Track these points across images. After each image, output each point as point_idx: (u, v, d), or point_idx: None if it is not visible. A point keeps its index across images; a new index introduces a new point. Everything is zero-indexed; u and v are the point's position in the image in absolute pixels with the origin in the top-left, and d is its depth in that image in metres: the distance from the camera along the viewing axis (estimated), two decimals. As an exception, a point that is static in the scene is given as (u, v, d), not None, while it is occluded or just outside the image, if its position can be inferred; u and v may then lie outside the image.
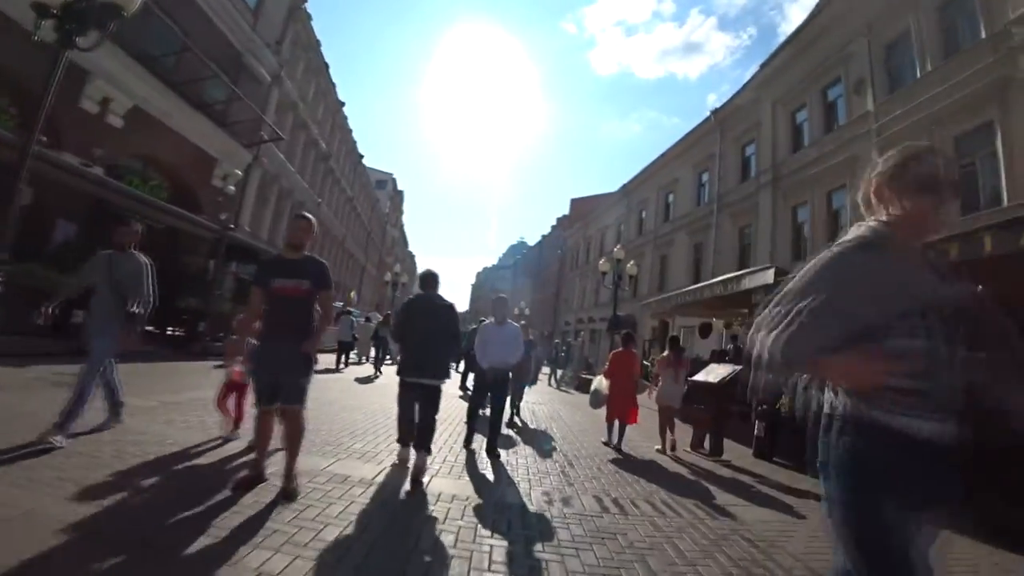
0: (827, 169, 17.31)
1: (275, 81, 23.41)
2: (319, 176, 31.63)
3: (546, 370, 24.01)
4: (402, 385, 4.88)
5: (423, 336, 4.74)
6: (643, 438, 8.55)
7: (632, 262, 20.10)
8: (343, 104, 33.50)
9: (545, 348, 27.30)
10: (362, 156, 41.27)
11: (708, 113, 25.43)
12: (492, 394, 6.31)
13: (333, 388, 10.30)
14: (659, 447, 7.52)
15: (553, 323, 50.96)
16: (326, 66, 29.88)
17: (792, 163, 19.35)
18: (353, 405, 8.44)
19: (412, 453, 4.75)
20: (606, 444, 7.44)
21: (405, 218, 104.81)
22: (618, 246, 19.42)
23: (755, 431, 7.86)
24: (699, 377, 7.81)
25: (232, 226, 19.28)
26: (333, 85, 31.71)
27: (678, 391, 7.57)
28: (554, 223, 58.48)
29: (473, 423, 6.41)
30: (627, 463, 6.58)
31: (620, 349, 7.81)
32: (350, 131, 37.35)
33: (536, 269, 64.58)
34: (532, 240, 70.17)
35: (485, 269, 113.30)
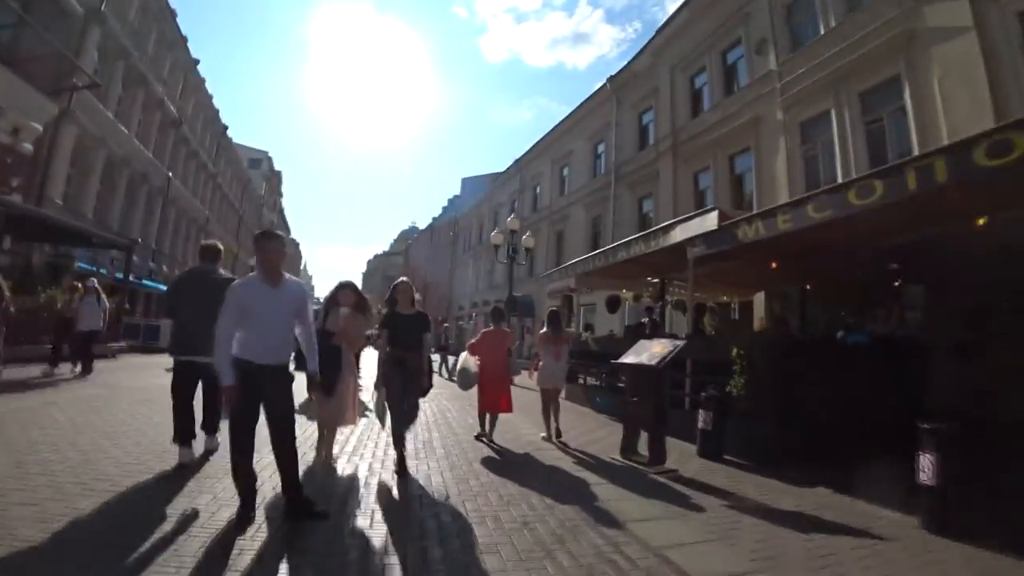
0: (729, 132, 16.27)
1: (93, 17, 18.70)
2: (167, 145, 26.63)
3: (436, 358, 21.61)
4: (176, 367, 4.63)
5: (195, 311, 4.29)
6: (530, 424, 7.65)
7: (528, 233, 18.10)
8: (198, 62, 28.52)
9: (434, 334, 24.75)
10: (226, 127, 36.01)
11: (603, 81, 23.96)
12: None
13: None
14: (544, 434, 6.74)
15: (448, 309, 48.43)
16: (172, 12, 25.02)
17: (692, 128, 18.25)
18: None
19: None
20: (479, 438, 6.45)
21: (289, 204, 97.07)
22: (512, 216, 17.30)
23: (699, 422, 5.95)
24: (628, 359, 5.75)
25: (7, 192, 14.89)
26: (183, 37, 26.78)
27: (560, 370, 6.88)
28: (445, 204, 55.67)
29: None
30: (501, 460, 5.62)
31: (491, 328, 6.69)
32: (210, 96, 32.20)
33: (428, 253, 61.54)
34: (424, 225, 66.86)
35: (376, 256, 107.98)
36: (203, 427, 4.65)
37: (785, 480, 5.00)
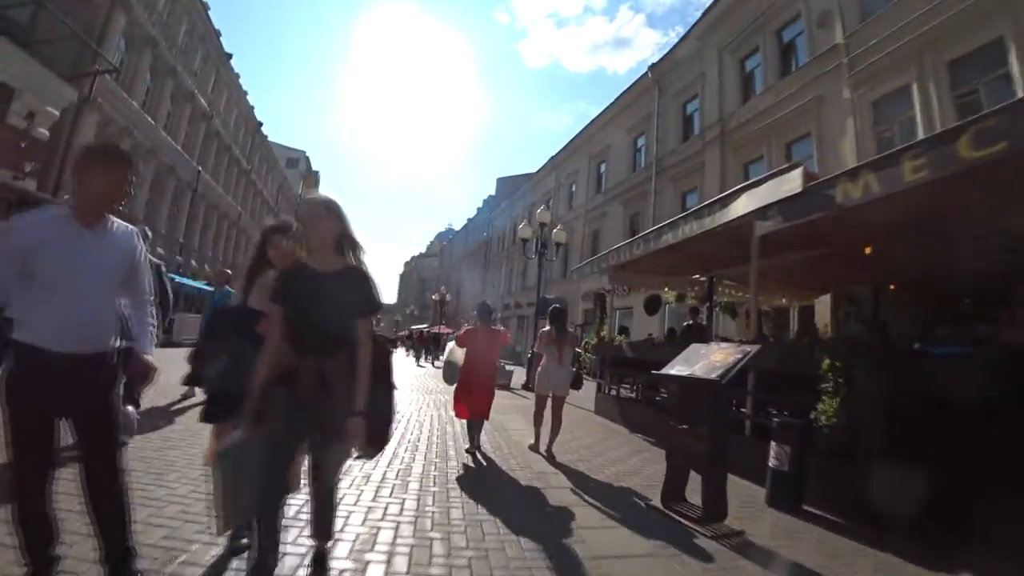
0: (786, 117, 14.38)
1: (119, 3, 18.09)
2: (197, 138, 26.12)
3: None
4: None
5: None
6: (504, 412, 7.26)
7: (559, 227, 16.48)
8: (230, 56, 28.01)
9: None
10: (261, 124, 35.61)
11: (645, 61, 22.21)
12: None
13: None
14: (532, 443, 6.01)
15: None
16: (203, 4, 24.49)
17: (743, 115, 16.40)
18: None
19: None
20: (469, 452, 5.50)
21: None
22: (542, 208, 15.76)
23: (771, 459, 4.30)
24: (677, 369, 4.11)
25: (20, 177, 14.23)
26: (216, 30, 26.27)
27: (563, 375, 5.87)
28: (480, 205, 54.49)
29: None
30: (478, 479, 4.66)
31: (474, 326, 5.76)
32: (244, 92, 31.76)
33: (462, 254, 60.50)
34: (460, 226, 65.89)
35: (413, 258, 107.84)
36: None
37: (911, 558, 3.32)
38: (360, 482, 4.14)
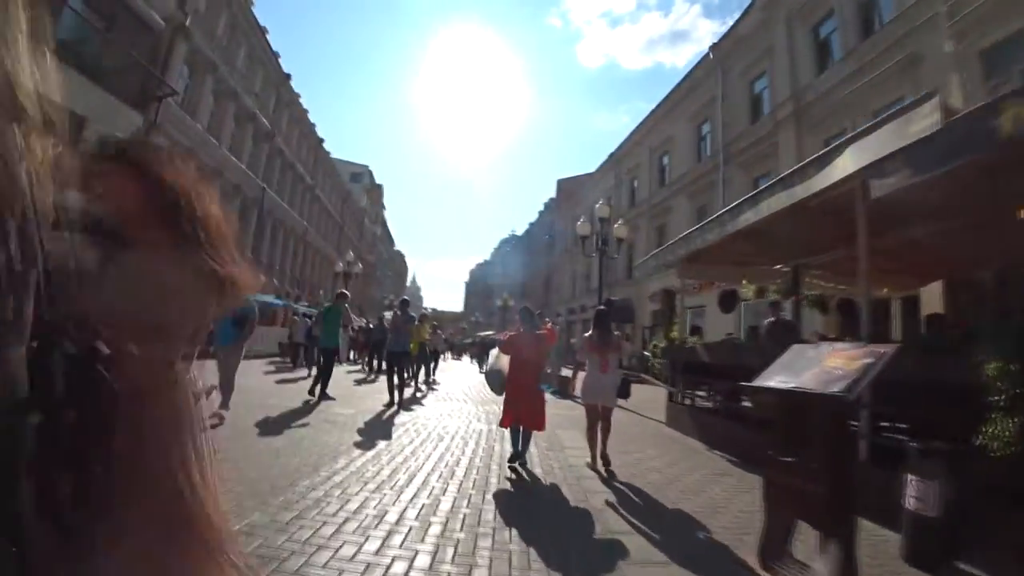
0: (873, 82, 12.63)
1: (179, 32, 18.63)
2: (261, 157, 26.82)
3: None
4: None
5: None
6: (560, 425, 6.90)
7: (620, 221, 15.28)
8: (289, 77, 28.66)
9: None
10: (322, 140, 36.40)
11: (705, 51, 20.65)
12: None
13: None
14: (589, 460, 5.38)
15: (544, 315, 46.22)
16: (261, 29, 25.10)
17: (819, 87, 14.72)
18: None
19: None
20: (512, 465, 4.94)
21: (393, 219, 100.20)
22: (600, 202, 14.63)
23: (908, 499, 3.13)
24: (777, 380, 3.01)
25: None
26: (274, 54, 26.93)
27: (608, 383, 5.34)
28: (542, 209, 53.64)
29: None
30: (519, 500, 4.11)
31: (521, 330, 5.38)
32: (305, 110, 32.50)
33: (525, 260, 59.84)
34: (522, 231, 65.34)
35: (478, 265, 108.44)
36: None
37: None
38: (387, 501, 3.38)
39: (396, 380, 8.93)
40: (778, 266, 9.32)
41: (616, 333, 5.75)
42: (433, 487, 4.24)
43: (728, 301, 9.10)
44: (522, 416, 5.05)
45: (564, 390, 12.50)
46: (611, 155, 31.08)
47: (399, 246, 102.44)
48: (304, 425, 6.43)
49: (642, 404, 11.40)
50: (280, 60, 27.57)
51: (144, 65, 15.99)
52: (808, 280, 9.41)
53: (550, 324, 6.28)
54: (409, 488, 4.14)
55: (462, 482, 4.47)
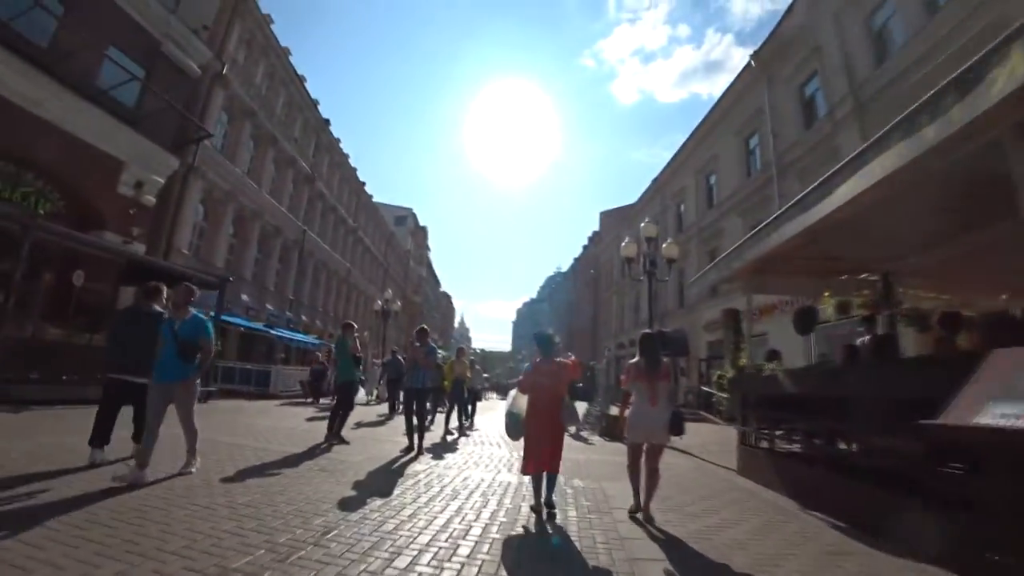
0: (950, 59, 10.91)
1: (217, 80, 18.80)
2: (302, 200, 26.86)
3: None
4: (112, 384, 5.12)
5: (129, 341, 5.06)
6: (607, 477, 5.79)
7: (670, 240, 13.78)
8: (328, 122, 28.95)
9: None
10: (363, 183, 36.62)
11: (747, 59, 19.26)
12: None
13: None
14: (631, 505, 4.51)
15: (592, 352, 44.22)
16: (300, 78, 25.47)
17: (880, 78, 13.15)
18: None
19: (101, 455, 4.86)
20: (535, 510, 4.38)
21: (442, 263, 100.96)
22: (646, 221, 13.23)
23: None
24: (993, 416, 1.56)
25: (129, 241, 14.41)
26: (314, 101, 27.26)
27: (658, 418, 4.45)
28: (586, 243, 52.33)
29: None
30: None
31: (539, 359, 4.75)
32: (345, 155, 32.79)
33: (571, 296, 58.32)
34: (567, 267, 64.00)
35: (525, 304, 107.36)
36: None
37: None
38: None
39: (416, 422, 7.69)
40: (863, 275, 7.69)
41: (666, 360, 4.77)
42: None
43: (805, 320, 7.42)
44: (544, 458, 4.43)
45: (612, 431, 10.86)
46: (654, 181, 29.71)
47: (447, 289, 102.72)
48: (289, 474, 5.22)
49: (706, 447, 9.71)
50: (319, 107, 27.93)
51: (179, 110, 15.96)
52: (902, 291, 7.71)
53: (573, 358, 5.14)
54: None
55: (463, 565, 3.11)
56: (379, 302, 24.92)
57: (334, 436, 7.59)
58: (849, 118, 13.96)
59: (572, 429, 9.61)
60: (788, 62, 17.24)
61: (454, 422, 11.04)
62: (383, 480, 5.34)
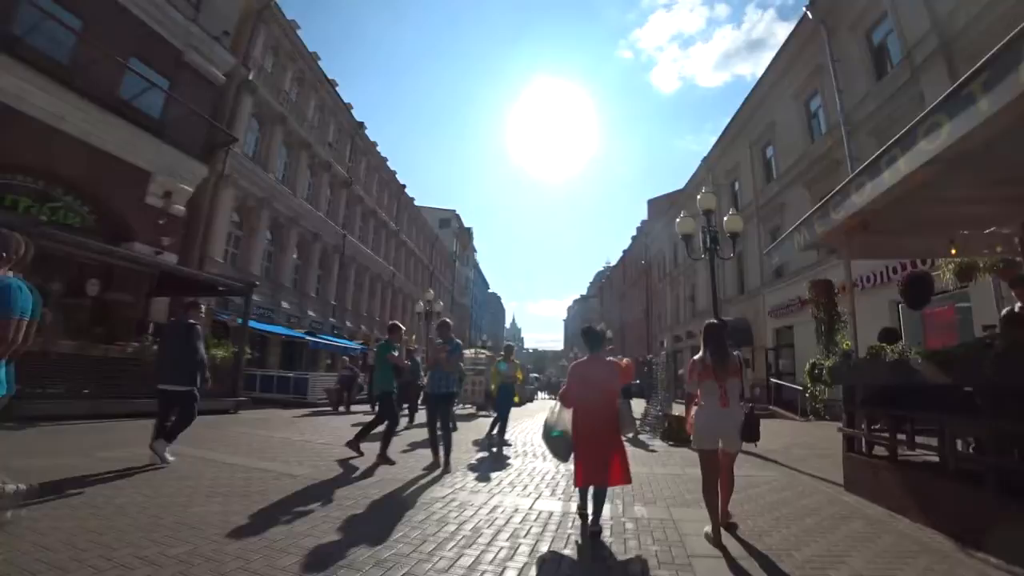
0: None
1: (244, 87, 18.37)
2: (339, 204, 26.40)
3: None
4: (158, 393, 5.68)
5: (169, 352, 5.80)
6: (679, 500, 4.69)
7: (732, 213, 12.01)
8: (362, 125, 28.42)
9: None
10: (404, 186, 36.09)
11: (803, 11, 17.17)
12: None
13: None
14: (708, 530, 3.62)
15: (646, 346, 42.16)
16: (330, 82, 24.98)
17: (970, 9, 11.00)
18: None
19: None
20: (582, 515, 4.04)
21: (490, 263, 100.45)
22: (703, 192, 11.55)
23: None
24: None
25: (160, 252, 13.99)
26: (347, 105, 26.77)
27: (729, 421, 3.76)
28: (634, 234, 50.24)
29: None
30: None
31: (583, 358, 4.19)
32: (383, 158, 32.28)
33: (621, 289, 56.24)
34: (616, 260, 61.91)
35: (575, 301, 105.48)
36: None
37: None
38: None
39: (441, 433, 6.50)
40: (990, 229, 5.97)
41: (736, 352, 4.05)
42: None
43: (919, 290, 5.74)
44: (595, 467, 3.86)
45: (676, 433, 9.30)
46: (704, 160, 27.66)
47: (497, 290, 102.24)
48: (277, 505, 4.12)
49: (791, 452, 8.11)
50: (353, 111, 27.44)
51: (203, 116, 15.52)
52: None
53: (625, 360, 4.97)
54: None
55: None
56: (421, 303, 24.09)
57: (380, 457, 6.40)
58: (931, 61, 11.91)
59: (628, 434, 8.20)
60: (851, 6, 15.14)
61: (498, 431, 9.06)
62: (386, 514, 4.16)
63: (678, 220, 11.64)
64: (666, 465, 6.90)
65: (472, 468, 6.48)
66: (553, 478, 5.92)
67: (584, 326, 4.60)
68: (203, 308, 6.14)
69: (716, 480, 3.73)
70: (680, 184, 34.11)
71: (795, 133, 18.69)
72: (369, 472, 5.89)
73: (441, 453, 6.36)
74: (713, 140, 27.09)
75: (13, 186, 12.50)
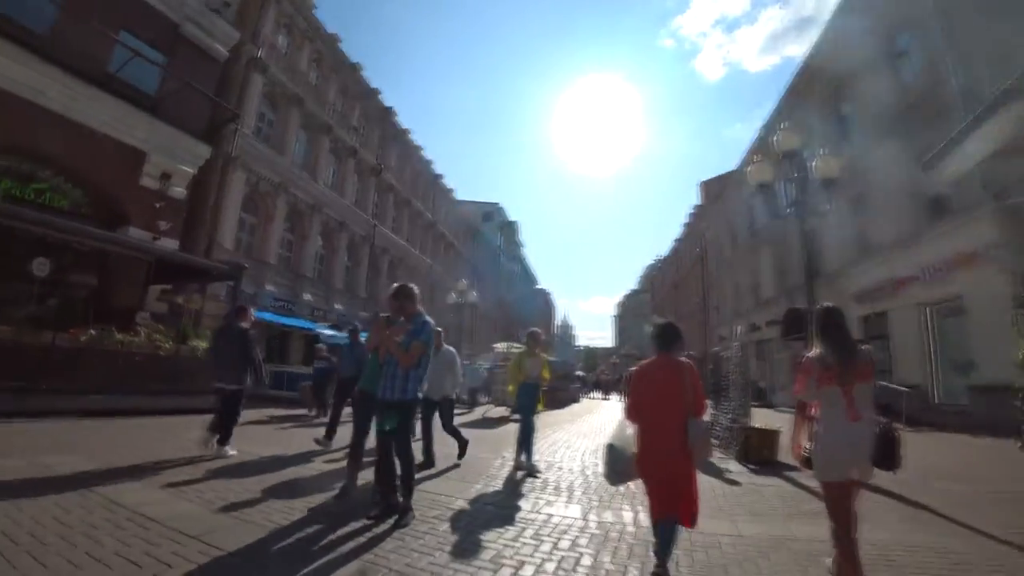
0: None
1: (254, 65, 16.98)
2: (369, 193, 24.88)
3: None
4: (214, 391, 6.13)
5: (222, 354, 6.08)
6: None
7: (824, 153, 9.00)
8: (390, 110, 26.79)
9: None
10: (439, 176, 34.38)
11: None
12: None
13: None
14: (831, 568, 2.94)
15: (704, 340, 38.69)
16: (353, 65, 23.43)
17: None
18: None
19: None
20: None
21: (539, 262, 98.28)
22: (782, 129, 8.81)
23: None
24: None
25: (157, 237, 12.67)
26: (374, 89, 25.20)
27: (859, 439, 2.72)
28: (686, 220, 46.68)
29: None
30: None
31: (650, 359, 3.38)
32: (417, 147, 30.64)
33: (674, 280, 52.67)
34: (667, 251, 58.22)
35: (625, 296, 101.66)
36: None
37: None
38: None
39: (400, 466, 4.24)
40: None
41: (864, 346, 2.92)
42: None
43: None
44: (663, 498, 3.05)
45: (757, 451, 6.69)
46: (763, 126, 24.36)
47: (547, 287, 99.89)
48: None
49: (931, 486, 5.38)
50: (381, 96, 25.85)
51: (200, 90, 14.07)
52: None
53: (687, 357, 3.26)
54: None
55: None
56: (453, 294, 22.18)
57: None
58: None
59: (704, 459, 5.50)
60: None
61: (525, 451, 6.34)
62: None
63: (750, 168, 8.98)
64: (759, 517, 4.30)
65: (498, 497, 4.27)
66: (598, 538, 3.62)
67: (659, 322, 3.71)
68: (252, 312, 6.50)
69: (845, 513, 2.72)
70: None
71: (880, 78, 15.40)
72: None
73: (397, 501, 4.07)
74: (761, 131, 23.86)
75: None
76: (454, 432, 6.45)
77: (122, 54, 13.00)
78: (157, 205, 13.53)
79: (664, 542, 3.01)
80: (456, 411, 7.16)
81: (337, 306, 21.55)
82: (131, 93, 13.22)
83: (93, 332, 9.19)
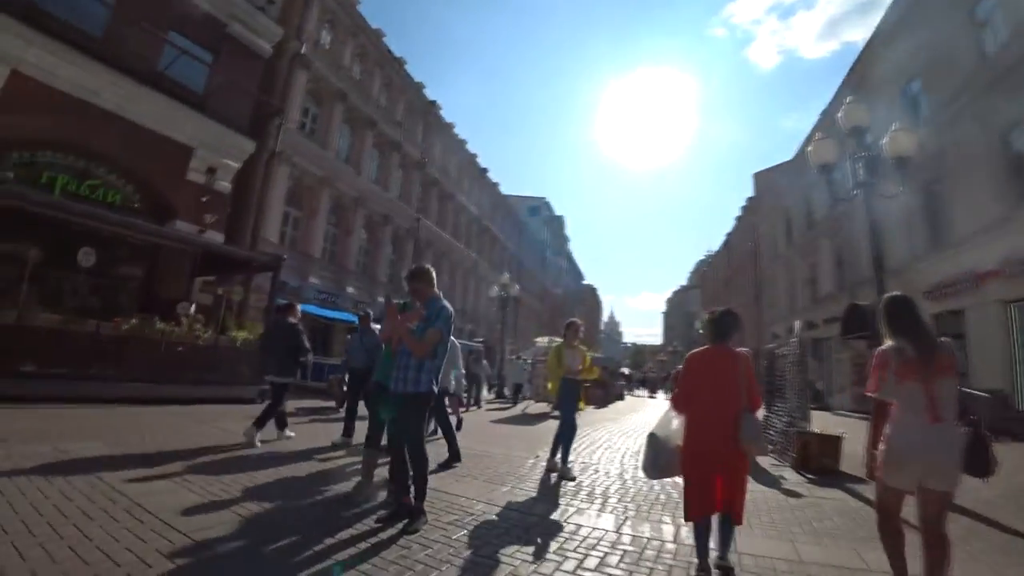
0: None
1: (298, 61, 17.19)
2: (412, 186, 24.92)
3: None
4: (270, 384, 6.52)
5: (276, 349, 6.43)
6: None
7: (897, 127, 8.01)
8: (433, 103, 26.74)
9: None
10: (485, 169, 34.18)
11: None
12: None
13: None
14: None
15: (757, 337, 37.02)
16: (397, 60, 23.48)
17: None
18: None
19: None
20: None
21: (585, 258, 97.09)
22: (849, 102, 7.97)
23: None
24: None
25: (203, 230, 13.03)
26: (417, 84, 25.22)
27: (943, 442, 2.38)
28: (739, 213, 44.78)
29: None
30: None
31: (703, 347, 3.21)
32: (461, 140, 30.53)
33: (726, 275, 50.73)
34: (719, 245, 56.13)
35: (674, 293, 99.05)
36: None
37: None
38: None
39: (412, 469, 3.83)
40: None
41: (946, 339, 2.64)
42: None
43: None
44: (714, 495, 2.85)
45: (816, 459, 6.04)
46: (823, 112, 22.85)
47: (594, 283, 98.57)
48: None
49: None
50: (425, 90, 25.83)
51: (246, 87, 14.32)
52: None
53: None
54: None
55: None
56: (495, 288, 21.91)
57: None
58: None
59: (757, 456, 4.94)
60: None
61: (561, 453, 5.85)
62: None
63: (811, 147, 8.22)
64: (822, 538, 3.70)
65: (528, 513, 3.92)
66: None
67: (717, 310, 3.32)
68: (298, 308, 6.95)
69: (895, 524, 2.50)
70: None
71: (956, 56, 14.05)
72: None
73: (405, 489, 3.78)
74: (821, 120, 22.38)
75: (54, 164, 11.96)
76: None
77: (170, 53, 13.38)
78: (203, 199, 13.84)
79: (724, 540, 2.89)
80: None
81: (381, 300, 21.70)
82: (179, 91, 13.57)
83: (135, 321, 9.37)
